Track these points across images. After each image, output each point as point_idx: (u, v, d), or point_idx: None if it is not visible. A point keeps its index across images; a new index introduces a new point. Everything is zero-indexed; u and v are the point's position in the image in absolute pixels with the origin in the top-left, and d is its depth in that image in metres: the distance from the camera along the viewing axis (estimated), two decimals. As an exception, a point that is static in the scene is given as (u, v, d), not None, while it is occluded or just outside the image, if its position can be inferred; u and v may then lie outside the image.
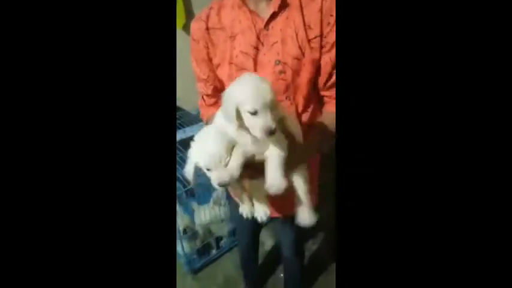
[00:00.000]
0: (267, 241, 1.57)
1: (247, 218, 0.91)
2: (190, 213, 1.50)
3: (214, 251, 1.49)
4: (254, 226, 1.00)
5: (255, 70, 0.61)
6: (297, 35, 0.58)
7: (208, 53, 0.64)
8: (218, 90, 0.68)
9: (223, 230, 1.49)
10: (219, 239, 1.52)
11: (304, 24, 0.58)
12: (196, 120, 1.52)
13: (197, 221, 1.44)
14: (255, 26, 0.59)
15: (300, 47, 0.59)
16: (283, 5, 0.58)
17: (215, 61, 0.64)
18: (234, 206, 0.91)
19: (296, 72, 0.60)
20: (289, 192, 0.79)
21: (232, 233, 1.51)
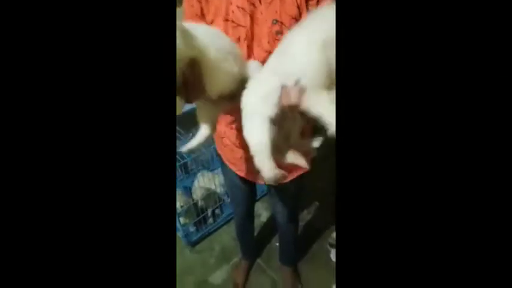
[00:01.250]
0: (263, 213, 1.61)
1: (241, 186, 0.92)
2: (187, 190, 1.52)
3: (211, 221, 1.52)
4: (248, 196, 1.02)
5: (252, 28, 0.59)
6: None
7: (201, 8, 0.61)
8: None
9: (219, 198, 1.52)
10: (215, 212, 1.55)
11: None
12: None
13: (195, 189, 1.46)
14: (255, 3, 0.57)
15: (298, 7, 0.57)
16: None
17: (209, 17, 0.61)
18: (227, 174, 0.92)
19: None
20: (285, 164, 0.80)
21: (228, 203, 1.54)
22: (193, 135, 0.63)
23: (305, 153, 0.61)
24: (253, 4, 0.58)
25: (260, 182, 0.86)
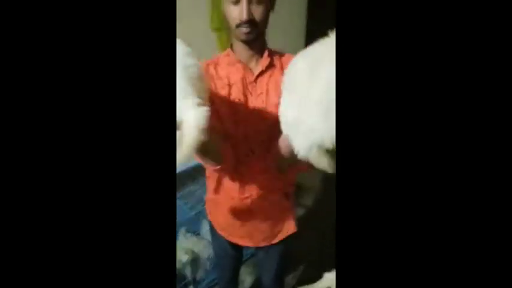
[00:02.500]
0: (246, 278, 1.55)
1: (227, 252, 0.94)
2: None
3: (192, 288, 1.45)
4: (235, 261, 1.03)
5: (246, 115, 0.72)
6: (276, 88, 0.70)
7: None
8: None
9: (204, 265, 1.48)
10: (196, 278, 1.49)
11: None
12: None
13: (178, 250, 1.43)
14: (246, 79, 0.71)
15: (279, 96, 0.70)
16: (270, 66, 0.72)
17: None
18: (217, 239, 0.94)
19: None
20: (276, 222, 0.85)
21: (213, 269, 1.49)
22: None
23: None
24: (245, 96, 0.71)
25: (250, 245, 0.89)
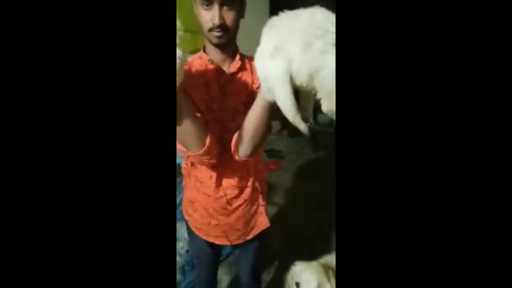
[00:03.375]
0: (223, 278, 1.58)
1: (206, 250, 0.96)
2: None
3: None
4: (213, 260, 1.05)
5: (219, 114, 0.76)
6: (246, 89, 0.75)
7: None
8: None
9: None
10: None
11: (252, 83, 0.76)
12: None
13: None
14: (219, 79, 0.75)
15: (247, 97, 0.74)
16: (241, 68, 0.76)
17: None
18: (194, 239, 0.96)
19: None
20: (250, 219, 0.89)
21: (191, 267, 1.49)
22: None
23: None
24: (218, 95, 0.75)
25: (226, 243, 0.93)
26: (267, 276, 1.60)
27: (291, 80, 0.49)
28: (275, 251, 1.73)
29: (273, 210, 2.08)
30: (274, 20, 0.52)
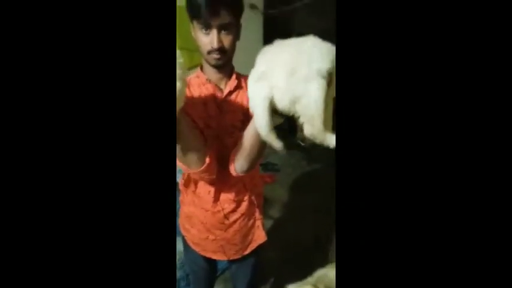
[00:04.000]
0: (218, 294, 1.56)
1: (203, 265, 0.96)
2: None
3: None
4: (210, 275, 1.05)
5: (217, 132, 0.78)
6: (243, 106, 0.78)
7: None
8: None
9: None
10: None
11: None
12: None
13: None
14: (216, 98, 0.78)
15: (244, 114, 0.77)
16: (237, 87, 0.79)
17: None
18: (190, 254, 0.96)
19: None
20: (247, 233, 0.90)
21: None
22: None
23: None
24: (216, 113, 0.78)
25: (223, 258, 0.93)
26: None
27: (273, 103, 0.53)
28: (271, 263, 1.72)
29: (269, 223, 2.08)
30: (268, 47, 0.56)
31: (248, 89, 0.56)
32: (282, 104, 0.52)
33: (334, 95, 0.53)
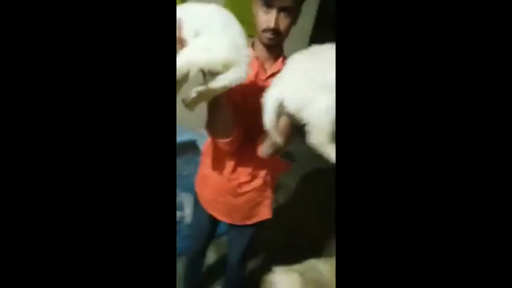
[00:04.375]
0: (210, 256, 1.66)
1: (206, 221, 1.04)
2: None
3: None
4: (208, 235, 1.13)
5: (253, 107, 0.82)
6: None
7: None
8: None
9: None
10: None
11: None
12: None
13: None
14: (259, 75, 0.82)
15: None
16: (276, 72, 0.80)
17: None
18: (198, 211, 1.04)
19: None
20: (254, 206, 0.96)
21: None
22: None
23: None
24: (257, 90, 0.81)
25: (227, 221, 1.00)
26: (253, 264, 1.67)
27: (282, 106, 0.59)
28: (267, 243, 1.80)
29: (273, 205, 2.14)
30: (297, 54, 0.62)
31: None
32: (290, 108, 0.57)
33: None
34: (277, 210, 2.10)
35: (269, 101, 0.60)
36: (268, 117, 0.61)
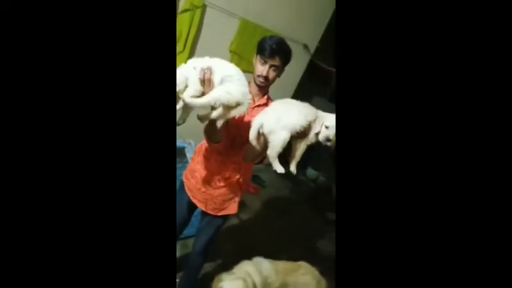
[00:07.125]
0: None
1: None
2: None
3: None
4: (183, 223, 1.39)
5: (241, 125, 1.13)
6: None
7: None
8: None
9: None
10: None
11: None
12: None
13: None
14: (250, 104, 1.12)
15: None
16: (264, 104, 1.16)
17: None
18: (180, 196, 1.30)
19: None
20: (225, 200, 1.23)
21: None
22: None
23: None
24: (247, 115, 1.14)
25: (203, 208, 1.26)
26: (215, 253, 1.80)
27: (261, 128, 0.92)
28: (226, 253, 1.99)
29: (235, 221, 2.37)
30: (280, 100, 0.99)
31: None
32: (265, 130, 0.91)
33: (309, 142, 0.93)
34: (236, 226, 2.32)
35: (254, 123, 0.94)
36: (252, 133, 0.95)
